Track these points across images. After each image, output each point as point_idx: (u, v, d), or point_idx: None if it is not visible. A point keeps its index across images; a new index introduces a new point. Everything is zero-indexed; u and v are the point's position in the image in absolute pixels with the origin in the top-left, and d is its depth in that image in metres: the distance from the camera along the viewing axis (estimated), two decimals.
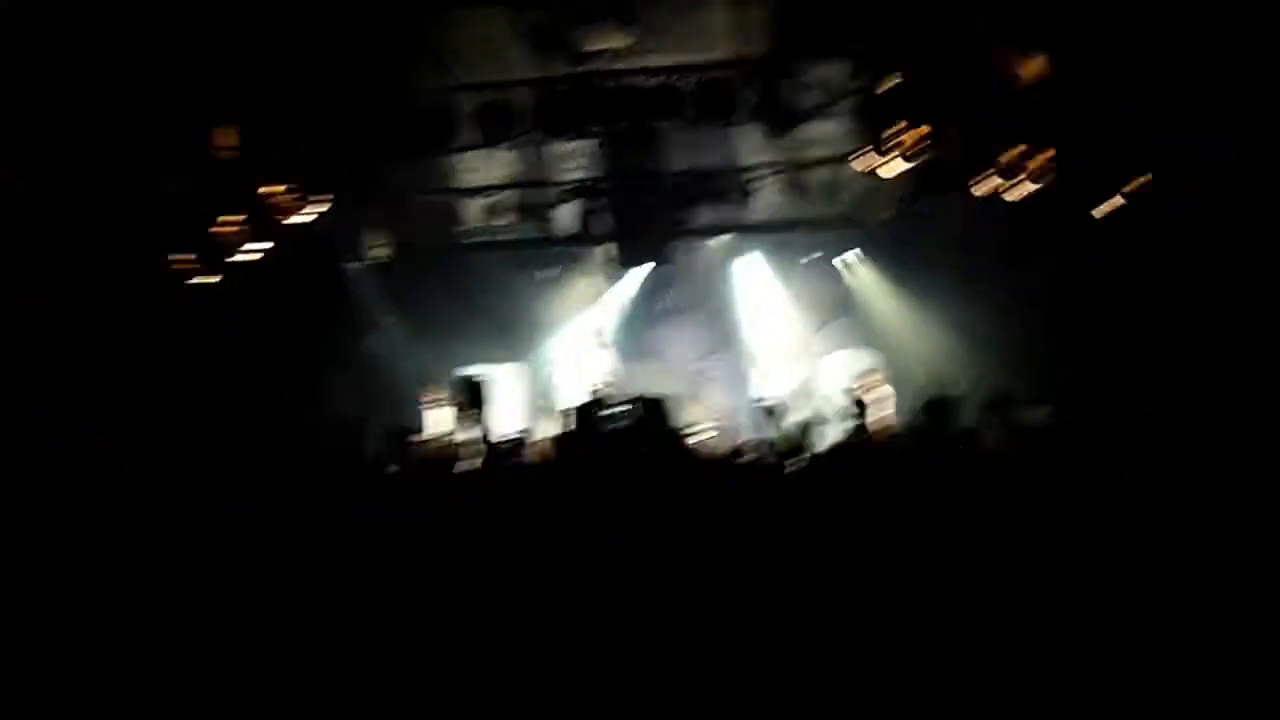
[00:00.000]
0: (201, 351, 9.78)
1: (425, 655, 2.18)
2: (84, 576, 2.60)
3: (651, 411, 3.10)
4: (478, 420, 7.18)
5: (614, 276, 13.81)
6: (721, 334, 14.29)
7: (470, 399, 3.01)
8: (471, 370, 10.39)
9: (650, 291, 14.30)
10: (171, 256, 9.62)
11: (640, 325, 14.33)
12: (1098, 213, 9.52)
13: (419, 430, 11.55)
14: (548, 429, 11.19)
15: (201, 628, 2.39)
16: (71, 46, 7.75)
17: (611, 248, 12.12)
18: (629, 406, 3.24)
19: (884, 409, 11.15)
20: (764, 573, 2.21)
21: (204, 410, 9.23)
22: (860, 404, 9.09)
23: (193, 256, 9.83)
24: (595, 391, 8.33)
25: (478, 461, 5.85)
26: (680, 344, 14.35)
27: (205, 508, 3.51)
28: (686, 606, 2.11)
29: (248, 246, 10.10)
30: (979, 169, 10.06)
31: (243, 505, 3.38)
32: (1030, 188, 9.84)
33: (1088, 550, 2.53)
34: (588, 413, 3.22)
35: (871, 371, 11.81)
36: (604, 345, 12.27)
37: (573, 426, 3.18)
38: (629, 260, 12.43)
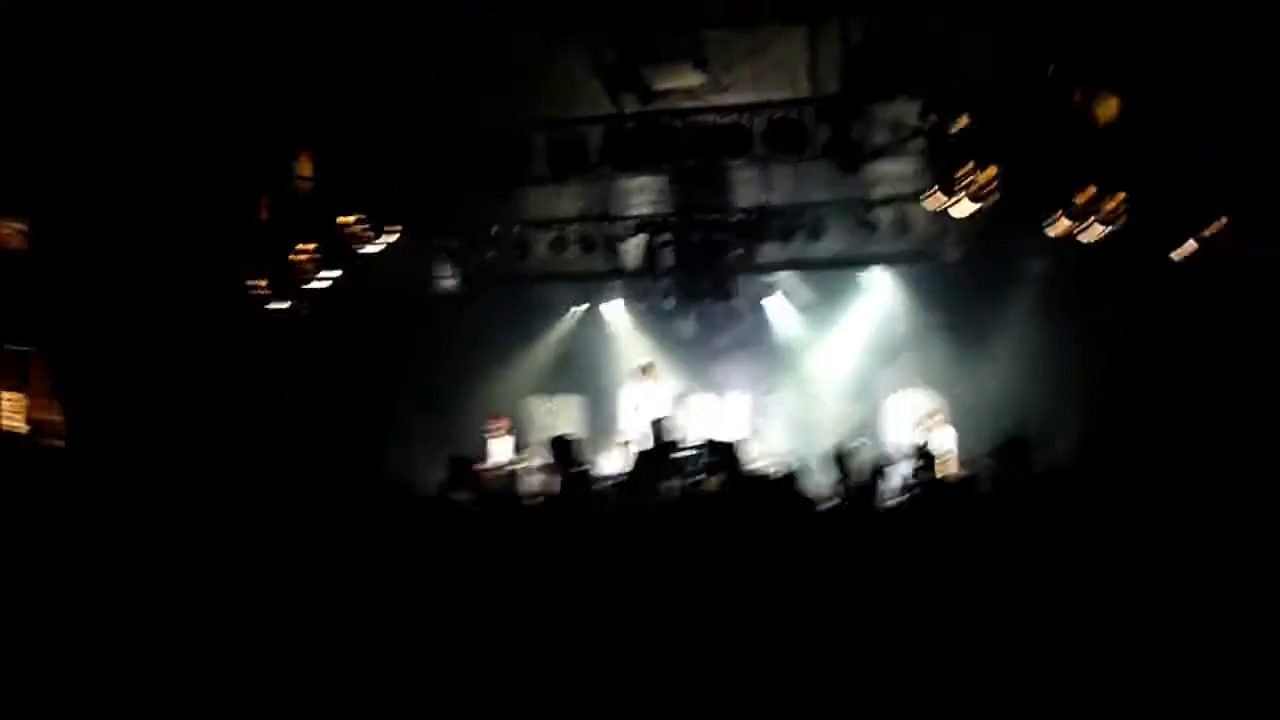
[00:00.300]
0: (274, 379, 9.98)
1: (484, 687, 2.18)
2: (112, 575, 2.63)
3: (722, 454, 3.09)
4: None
5: (678, 311, 13.84)
6: (782, 371, 14.23)
7: (564, 457, 2.95)
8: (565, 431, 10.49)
9: (712, 326, 14.30)
10: (249, 282, 9.84)
11: (701, 360, 14.33)
12: (1176, 255, 9.35)
13: (482, 459, 11.69)
14: (612, 462, 11.25)
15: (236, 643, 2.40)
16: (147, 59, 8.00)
17: (675, 282, 12.18)
18: (699, 450, 3.24)
19: (947, 449, 11.04)
20: (851, 618, 2.19)
21: (279, 439, 9.40)
22: (925, 451, 9.01)
23: (265, 282, 10.08)
24: (658, 427, 8.34)
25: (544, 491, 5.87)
26: (740, 380, 14.32)
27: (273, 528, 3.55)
28: (768, 650, 2.10)
29: (321, 274, 10.34)
30: (1050, 210, 10.00)
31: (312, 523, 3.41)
32: (1101, 230, 9.75)
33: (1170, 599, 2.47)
34: (661, 454, 3.21)
35: (935, 411, 11.70)
36: (651, 377, 12.23)
37: (646, 464, 3.16)
38: (692, 294, 12.47)
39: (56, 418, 9.34)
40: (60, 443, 9.11)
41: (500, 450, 11.98)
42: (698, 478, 10.09)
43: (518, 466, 11.66)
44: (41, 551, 2.91)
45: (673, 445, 2.93)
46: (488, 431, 12.16)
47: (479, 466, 11.57)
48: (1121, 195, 9.30)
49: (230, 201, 8.93)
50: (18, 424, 9.60)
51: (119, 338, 8.86)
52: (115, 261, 8.83)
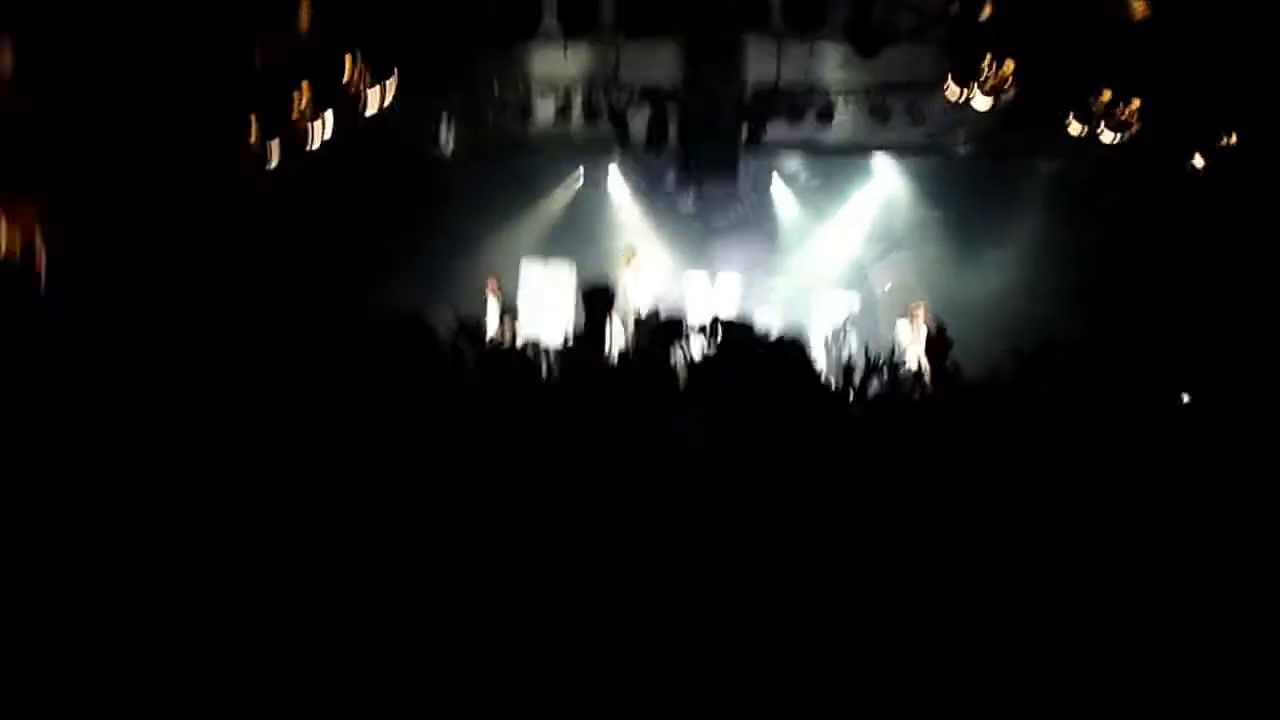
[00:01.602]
0: (266, 238, 9.83)
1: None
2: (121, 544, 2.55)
3: (733, 333, 3.01)
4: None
5: (680, 186, 13.66)
6: (779, 254, 14.14)
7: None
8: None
9: (712, 204, 14.14)
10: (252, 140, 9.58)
11: (698, 237, 14.21)
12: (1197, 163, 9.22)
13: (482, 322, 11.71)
14: (615, 335, 11.23)
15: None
16: None
17: (678, 156, 11.98)
18: (708, 326, 3.16)
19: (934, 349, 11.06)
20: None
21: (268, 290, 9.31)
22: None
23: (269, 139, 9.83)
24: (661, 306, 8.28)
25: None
26: (736, 260, 14.23)
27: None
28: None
29: (322, 130, 10.08)
30: (1065, 110, 9.80)
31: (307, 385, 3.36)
32: (1114, 136, 9.59)
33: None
34: (669, 329, 3.13)
35: (918, 306, 11.68)
36: (631, 261, 12.09)
37: (653, 339, 3.09)
38: (696, 170, 12.28)
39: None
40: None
41: (492, 310, 11.98)
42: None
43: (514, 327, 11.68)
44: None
45: (678, 323, 2.84)
46: (485, 292, 12.13)
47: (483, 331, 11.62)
48: (1137, 102, 9.12)
49: (225, 46, 8.62)
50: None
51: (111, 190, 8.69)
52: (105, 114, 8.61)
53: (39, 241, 9.12)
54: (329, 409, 2.98)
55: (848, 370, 4.60)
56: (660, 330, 2.98)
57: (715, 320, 3.21)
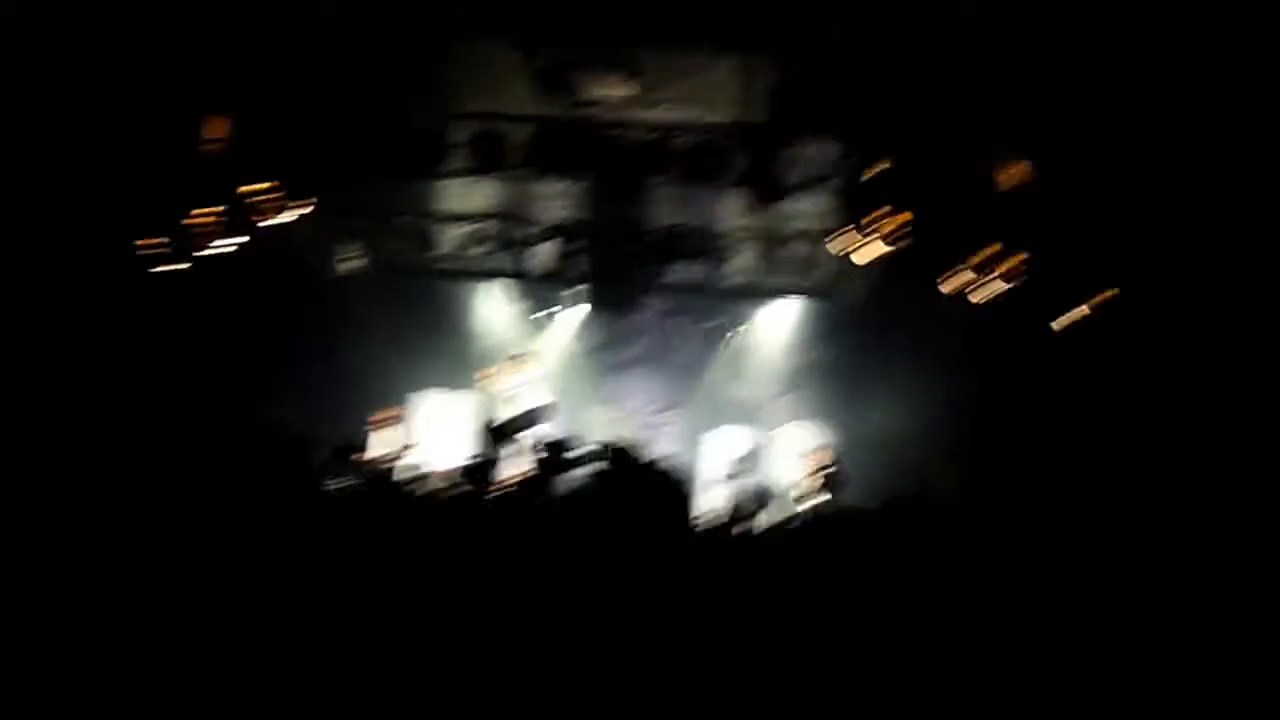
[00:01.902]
0: (159, 345, 9.59)
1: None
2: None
3: (619, 460, 3.03)
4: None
5: (581, 320, 13.80)
6: (680, 391, 14.30)
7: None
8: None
9: (613, 340, 14.30)
10: (142, 241, 9.45)
11: (600, 373, 14.30)
12: (1057, 325, 9.74)
13: (363, 449, 11.44)
14: (508, 461, 11.12)
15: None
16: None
17: (583, 291, 12.15)
18: (594, 451, 3.16)
19: (827, 485, 11.25)
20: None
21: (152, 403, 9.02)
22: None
23: (162, 241, 9.69)
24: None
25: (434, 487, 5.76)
26: (637, 396, 14.33)
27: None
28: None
29: (221, 241, 9.99)
30: (952, 263, 10.32)
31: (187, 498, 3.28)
32: (999, 288, 10.10)
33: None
34: (555, 452, 3.14)
35: (823, 447, 11.89)
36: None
37: (542, 462, 3.09)
38: (599, 305, 12.45)
39: None
40: None
41: (385, 442, 11.74)
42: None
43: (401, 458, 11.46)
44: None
45: (564, 445, 2.79)
46: (373, 423, 11.91)
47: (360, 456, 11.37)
48: (1021, 256, 9.66)
49: (132, 158, 8.56)
50: None
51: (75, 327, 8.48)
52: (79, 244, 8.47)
53: None
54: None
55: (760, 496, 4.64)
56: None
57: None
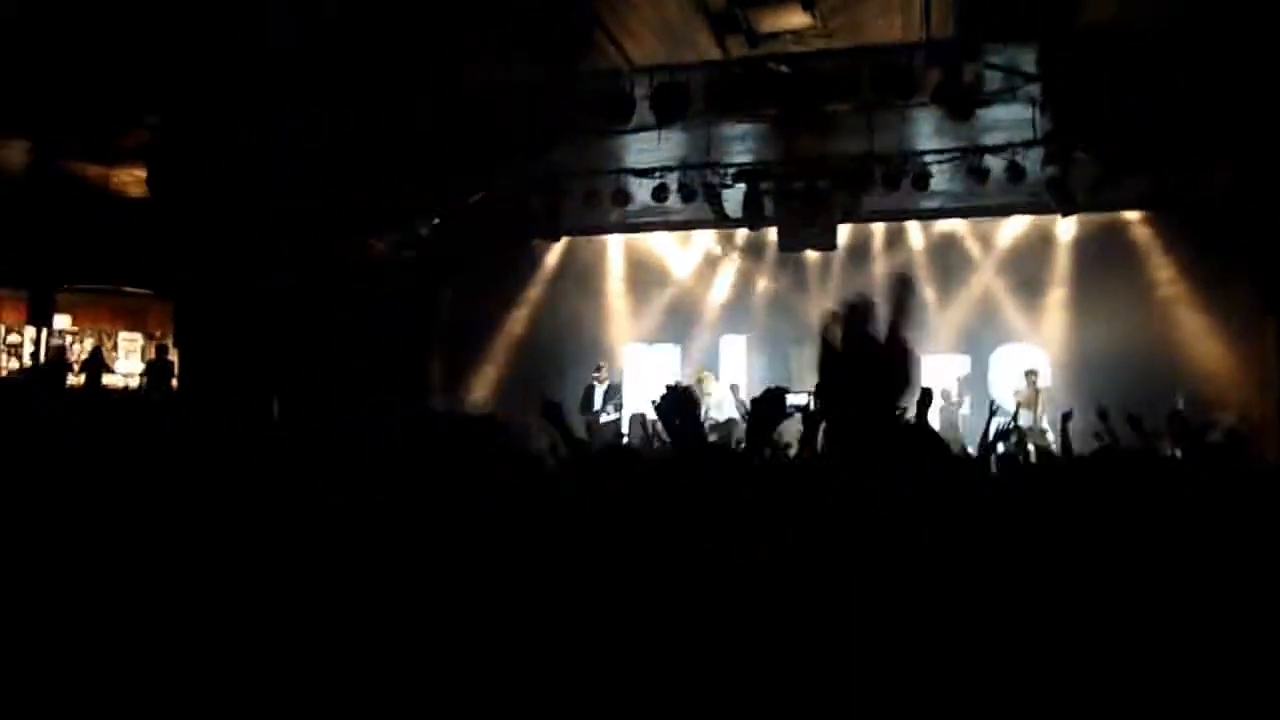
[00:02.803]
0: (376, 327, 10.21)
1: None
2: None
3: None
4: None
5: (781, 261, 13.70)
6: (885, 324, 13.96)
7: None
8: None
9: (815, 277, 14.13)
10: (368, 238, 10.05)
11: (803, 311, 14.17)
12: None
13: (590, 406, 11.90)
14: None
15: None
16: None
17: (778, 231, 12.04)
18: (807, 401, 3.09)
19: (1044, 414, 10.79)
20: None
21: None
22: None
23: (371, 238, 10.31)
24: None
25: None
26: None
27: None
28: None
29: (429, 220, 10.51)
30: (1171, 161, 9.57)
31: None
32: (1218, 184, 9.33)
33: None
34: (775, 399, 3.06)
35: (1033, 371, 11.38)
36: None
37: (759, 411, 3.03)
38: (792, 244, 12.31)
39: (173, 359, 9.75)
40: (175, 383, 9.50)
41: (598, 400, 12.13)
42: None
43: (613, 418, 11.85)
44: (152, 486, 2.96)
45: (781, 399, 2.74)
46: (595, 377, 12.30)
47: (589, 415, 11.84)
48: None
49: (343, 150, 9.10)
50: (135, 364, 10.07)
51: (235, 282, 9.16)
52: (229, 211, 9.10)
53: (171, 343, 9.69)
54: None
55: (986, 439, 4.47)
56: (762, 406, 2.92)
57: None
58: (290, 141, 8.63)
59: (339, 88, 8.81)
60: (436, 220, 10.69)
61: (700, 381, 11.63)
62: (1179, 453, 4.26)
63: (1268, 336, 10.39)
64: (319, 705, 2.12)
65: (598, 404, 12.03)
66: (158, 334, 10.31)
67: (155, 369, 9.79)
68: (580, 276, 13.64)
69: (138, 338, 10.52)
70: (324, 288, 9.60)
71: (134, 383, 10.29)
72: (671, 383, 3.00)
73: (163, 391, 9.54)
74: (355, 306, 10.02)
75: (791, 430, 3.31)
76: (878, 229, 13.40)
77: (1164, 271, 11.45)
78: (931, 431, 2.66)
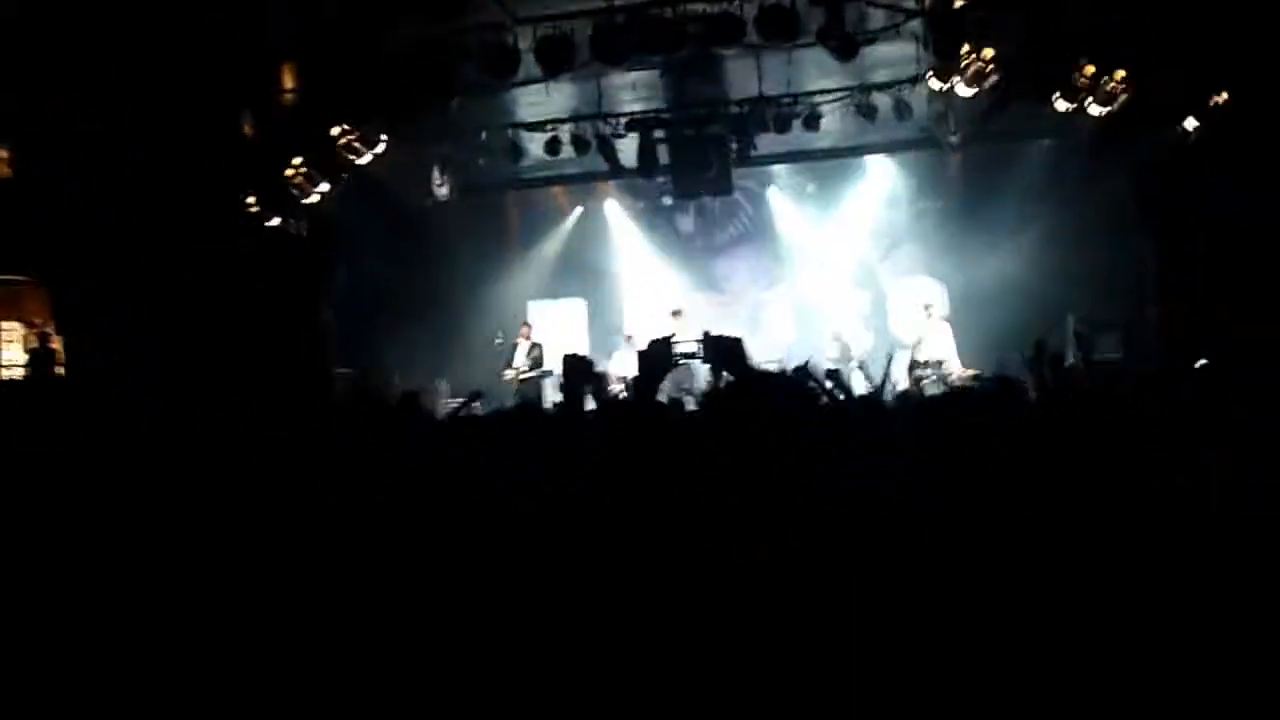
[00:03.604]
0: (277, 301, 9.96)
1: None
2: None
3: (723, 351, 2.91)
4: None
5: (677, 207, 13.72)
6: (784, 264, 14.15)
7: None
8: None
9: (712, 222, 14.21)
10: (246, 200, 9.76)
11: (702, 257, 14.26)
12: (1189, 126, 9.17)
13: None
14: (619, 363, 11.29)
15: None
16: None
17: (672, 179, 12.02)
18: (699, 344, 3.07)
19: (943, 344, 11.05)
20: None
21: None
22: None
23: (255, 200, 10.00)
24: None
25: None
26: (742, 275, 14.26)
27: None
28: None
29: (314, 189, 10.23)
30: (1050, 90, 9.78)
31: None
32: (1103, 109, 9.57)
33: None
34: (660, 350, 3.05)
35: (930, 304, 11.63)
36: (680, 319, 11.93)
37: (646, 363, 3.00)
38: (688, 191, 12.32)
39: (56, 347, 9.37)
40: (61, 370, 9.15)
41: (520, 357, 12.07)
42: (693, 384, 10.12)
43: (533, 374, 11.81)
44: (43, 479, 2.88)
45: (667, 348, 2.71)
46: (521, 335, 12.22)
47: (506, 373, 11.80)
48: (1121, 73, 9.10)
49: (215, 119, 8.76)
50: (16, 355, 9.67)
51: (115, 264, 8.82)
52: (104, 188, 8.74)
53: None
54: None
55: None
56: (649, 357, 2.91)
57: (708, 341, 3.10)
58: (161, 115, 8.29)
59: (212, 52, 8.46)
60: (325, 188, 10.39)
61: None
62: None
63: (1148, 256, 10.79)
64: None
65: (519, 361, 11.97)
66: (38, 322, 9.86)
67: (38, 358, 9.41)
68: (478, 235, 13.49)
69: (16, 326, 10.04)
70: (212, 266, 9.30)
71: (17, 374, 9.86)
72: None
73: (47, 381, 9.17)
74: (247, 282, 9.74)
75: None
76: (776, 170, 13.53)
77: (1051, 198, 11.75)
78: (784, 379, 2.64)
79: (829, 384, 2.84)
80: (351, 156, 10.30)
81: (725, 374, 2.71)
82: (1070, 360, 6.63)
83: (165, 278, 8.79)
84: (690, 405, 3.12)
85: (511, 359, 12.02)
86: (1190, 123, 9.40)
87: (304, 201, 10.32)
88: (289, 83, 9.09)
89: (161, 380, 8.22)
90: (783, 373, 2.43)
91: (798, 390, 2.38)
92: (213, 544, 2.48)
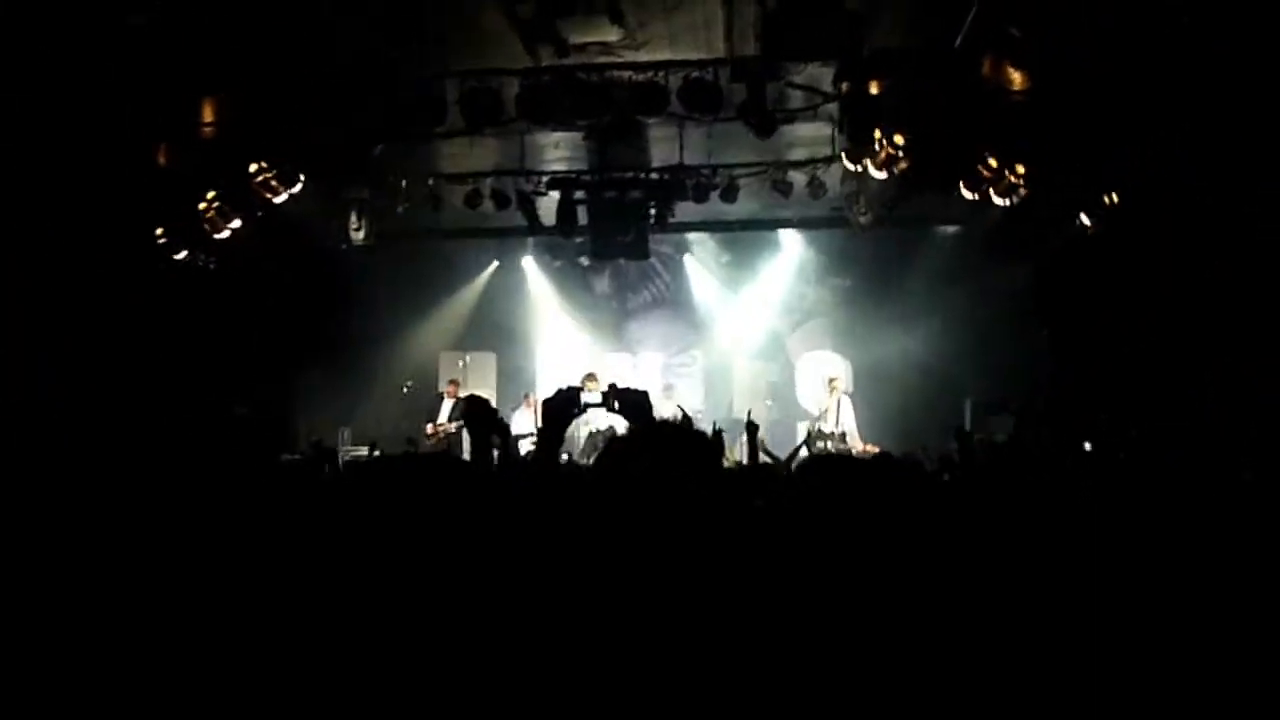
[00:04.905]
0: (182, 335, 9.74)
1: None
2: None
3: (628, 406, 2.96)
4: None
5: (594, 268, 13.86)
6: (696, 330, 14.37)
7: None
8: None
9: (627, 285, 14.38)
10: (156, 231, 9.57)
11: (615, 318, 14.40)
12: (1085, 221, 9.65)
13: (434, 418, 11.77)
14: (525, 421, 11.28)
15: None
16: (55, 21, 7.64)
17: (590, 240, 12.14)
18: (605, 395, 3.09)
19: (845, 418, 11.32)
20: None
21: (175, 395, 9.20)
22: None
23: (177, 227, 9.82)
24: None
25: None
26: (654, 339, 14.42)
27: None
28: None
29: (228, 224, 10.10)
30: (955, 179, 10.23)
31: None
32: (1003, 201, 10.03)
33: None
34: (566, 397, 3.07)
35: (834, 378, 11.90)
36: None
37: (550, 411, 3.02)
38: (605, 253, 12.45)
39: None
40: None
41: (444, 414, 12.05)
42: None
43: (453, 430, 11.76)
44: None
45: (572, 396, 2.72)
46: (446, 392, 12.24)
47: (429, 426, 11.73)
48: (1020, 168, 9.55)
49: (128, 147, 8.60)
50: None
51: (13, 275, 8.51)
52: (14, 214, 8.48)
53: None
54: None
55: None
56: (554, 404, 2.93)
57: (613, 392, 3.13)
58: (76, 137, 8.11)
59: (134, 78, 8.33)
60: (238, 224, 10.25)
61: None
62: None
63: (1040, 342, 11.23)
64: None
65: (442, 418, 11.95)
66: None
67: None
68: (392, 282, 13.40)
69: None
70: (115, 293, 9.06)
71: None
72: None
73: None
74: (150, 312, 9.52)
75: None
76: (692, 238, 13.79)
77: (954, 283, 12.19)
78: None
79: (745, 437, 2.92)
80: (267, 194, 10.21)
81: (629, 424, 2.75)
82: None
83: (67, 296, 8.53)
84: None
85: (436, 415, 11.98)
86: (1085, 219, 9.91)
87: (216, 236, 10.18)
88: (209, 115, 8.97)
89: (56, 395, 7.96)
90: (687, 421, 2.47)
91: (699, 442, 2.40)
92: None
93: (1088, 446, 7.83)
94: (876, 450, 11.17)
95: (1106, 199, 9.56)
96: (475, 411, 2.93)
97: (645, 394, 2.85)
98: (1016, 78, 8.70)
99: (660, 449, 2.25)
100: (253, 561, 2.46)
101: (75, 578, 2.45)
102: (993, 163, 9.60)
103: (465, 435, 11.61)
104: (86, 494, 3.13)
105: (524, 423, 11.10)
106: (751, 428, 4.94)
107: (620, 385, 3.00)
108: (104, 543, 2.65)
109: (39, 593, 2.37)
